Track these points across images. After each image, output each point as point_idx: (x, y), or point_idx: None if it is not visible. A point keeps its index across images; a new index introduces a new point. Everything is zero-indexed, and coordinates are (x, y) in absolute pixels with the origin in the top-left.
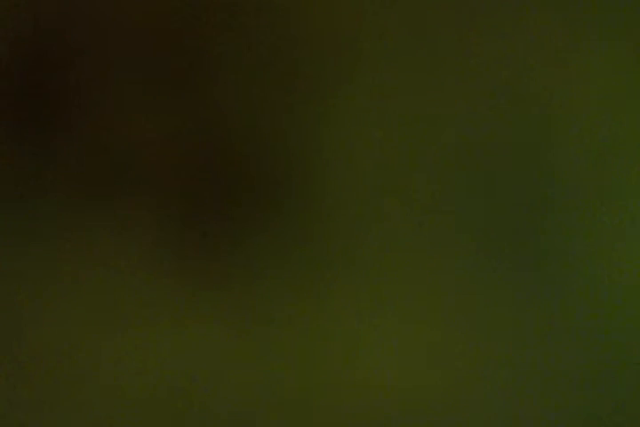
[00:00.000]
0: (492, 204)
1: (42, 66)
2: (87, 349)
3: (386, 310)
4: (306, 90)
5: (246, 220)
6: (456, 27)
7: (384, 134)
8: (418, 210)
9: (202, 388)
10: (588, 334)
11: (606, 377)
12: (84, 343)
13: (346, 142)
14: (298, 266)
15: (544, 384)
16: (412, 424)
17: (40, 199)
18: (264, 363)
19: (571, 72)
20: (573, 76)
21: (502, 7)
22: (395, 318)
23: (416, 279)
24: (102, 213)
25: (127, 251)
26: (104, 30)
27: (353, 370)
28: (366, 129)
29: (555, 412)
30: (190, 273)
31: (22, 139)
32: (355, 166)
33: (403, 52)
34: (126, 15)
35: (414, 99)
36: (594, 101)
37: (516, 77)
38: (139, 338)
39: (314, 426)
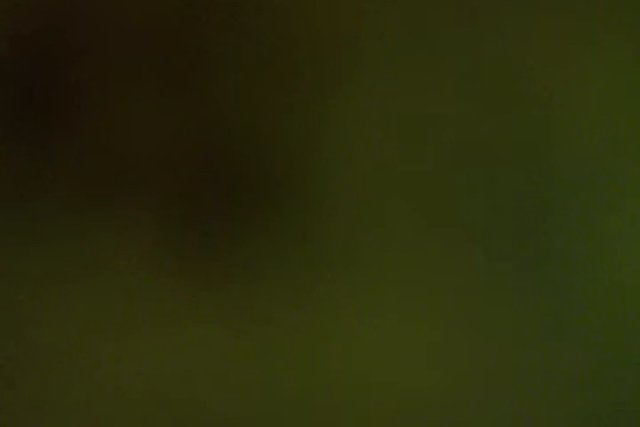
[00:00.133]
0: (492, 204)
1: (42, 66)
2: (87, 349)
3: (386, 310)
4: (306, 90)
5: (246, 220)
6: (456, 27)
7: (384, 134)
8: (418, 210)
9: (202, 388)
10: (588, 334)
11: (606, 377)
12: (83, 343)
13: (346, 142)
14: (298, 266)
15: (544, 384)
16: (411, 424)
17: (40, 199)
18: (264, 363)
19: (571, 72)
20: (573, 76)
21: (502, 7)
22: (395, 318)
23: (416, 279)
24: (102, 213)
25: (127, 251)
26: (104, 30)
27: (353, 370)
28: (366, 129)
29: (555, 412)
30: (190, 273)
31: (22, 139)
32: (355, 166)
33: (403, 52)
34: (126, 15)
35: (414, 99)
36: (594, 101)
37: (516, 77)
38: (139, 338)
39: (314, 426)
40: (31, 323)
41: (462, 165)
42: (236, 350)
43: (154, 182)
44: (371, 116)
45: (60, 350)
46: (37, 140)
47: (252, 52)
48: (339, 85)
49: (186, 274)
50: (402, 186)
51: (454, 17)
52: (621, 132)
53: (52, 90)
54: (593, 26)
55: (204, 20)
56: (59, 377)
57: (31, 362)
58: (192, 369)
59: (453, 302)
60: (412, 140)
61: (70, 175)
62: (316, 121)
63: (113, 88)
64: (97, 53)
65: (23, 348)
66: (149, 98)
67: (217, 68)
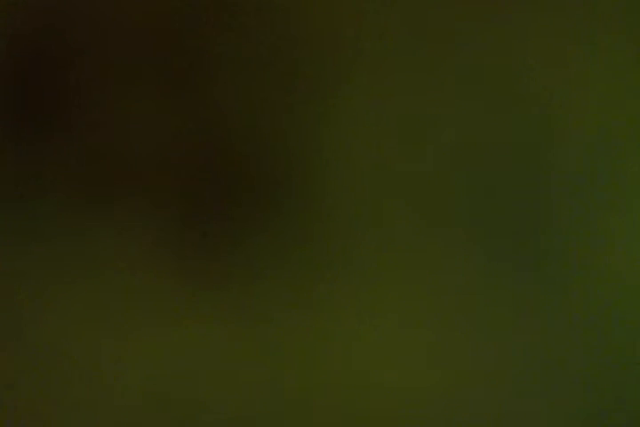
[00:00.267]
0: (492, 204)
1: (42, 66)
2: (87, 349)
3: (386, 310)
4: (306, 90)
5: (246, 220)
6: (456, 27)
7: (384, 134)
8: (417, 210)
9: (202, 388)
10: (588, 334)
11: (606, 377)
12: (83, 343)
13: (346, 142)
14: (298, 266)
15: (544, 384)
16: (411, 424)
17: (40, 199)
18: (264, 363)
19: (571, 72)
20: (573, 76)
21: (502, 7)
22: (394, 318)
23: (416, 279)
24: (102, 213)
25: (127, 251)
26: (104, 30)
27: (353, 370)
28: (366, 129)
29: (555, 412)
30: (190, 273)
31: (22, 139)
32: (354, 166)
33: (402, 51)
34: (126, 15)
35: (414, 99)
36: (594, 101)
37: (516, 77)
38: (139, 338)
39: (314, 426)
40: (31, 323)
41: (462, 165)
42: (236, 350)
43: (154, 182)
44: (370, 116)
45: (60, 350)
46: (37, 140)
47: (251, 52)
48: (338, 85)
49: (186, 274)
50: (401, 186)
51: (454, 17)
52: (621, 132)
53: (51, 90)
54: (593, 26)
55: (204, 20)
56: (59, 377)
57: (31, 362)
58: (192, 369)
59: (453, 302)
60: (411, 140)
61: (70, 175)
62: (316, 121)
63: (113, 88)
64: (97, 53)
65: (23, 348)
66: (149, 98)
67: (217, 68)
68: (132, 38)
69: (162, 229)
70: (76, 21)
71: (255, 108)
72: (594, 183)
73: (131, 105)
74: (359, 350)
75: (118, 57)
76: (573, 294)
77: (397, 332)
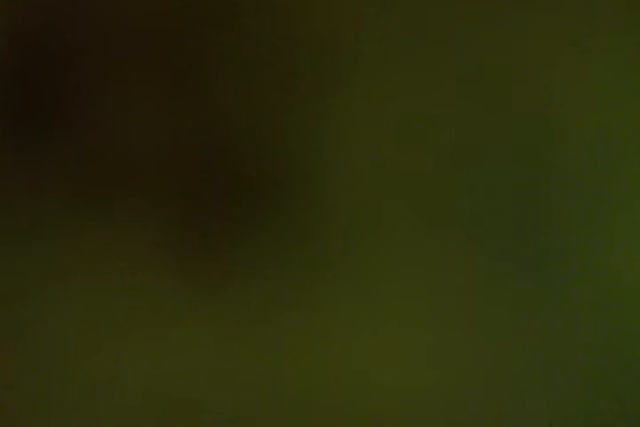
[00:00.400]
0: (493, 204)
1: (42, 65)
2: (87, 349)
3: (386, 310)
4: (306, 90)
5: (246, 220)
6: (456, 27)
7: (384, 134)
8: (417, 210)
9: (202, 388)
10: (588, 334)
11: (606, 377)
12: (83, 343)
13: (346, 142)
14: (298, 266)
15: (544, 384)
16: (411, 424)
17: (40, 199)
18: (264, 363)
19: (571, 72)
20: (573, 76)
21: (502, 7)
22: (394, 318)
23: (416, 279)
24: (102, 213)
25: (127, 251)
26: (104, 30)
27: (353, 370)
28: (366, 129)
29: (555, 412)
30: (190, 273)
31: (22, 139)
32: (355, 166)
33: (403, 52)
34: (126, 15)
35: (414, 99)
36: (594, 101)
37: (516, 77)
38: (139, 338)
39: (314, 426)
40: (31, 323)
41: (462, 165)
42: (236, 350)
43: (154, 182)
44: (370, 116)
45: (60, 350)
46: (37, 140)
47: (252, 52)
48: (339, 85)
49: (186, 274)
50: (401, 186)
51: (454, 17)
52: (621, 132)
53: (52, 89)
54: (593, 26)
55: (204, 20)
56: (59, 377)
57: (31, 362)
58: (192, 369)
59: (453, 302)
60: (411, 140)
61: (70, 175)
62: (316, 121)
63: (113, 88)
64: (97, 53)
65: (23, 348)
66: (149, 98)
67: (217, 68)
68: (132, 38)
69: (162, 229)
70: (77, 21)
71: (255, 108)
72: (594, 183)
73: (131, 105)
74: (359, 350)
75: (118, 57)
76: (573, 294)
77: (397, 332)
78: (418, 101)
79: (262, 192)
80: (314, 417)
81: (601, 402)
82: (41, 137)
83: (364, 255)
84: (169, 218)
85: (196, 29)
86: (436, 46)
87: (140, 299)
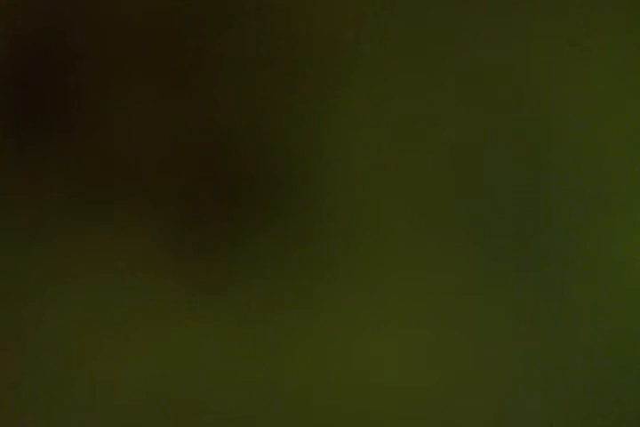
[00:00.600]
0: (493, 204)
1: (42, 66)
2: (87, 349)
3: (385, 310)
4: (306, 90)
5: (246, 220)
6: (456, 27)
7: (384, 134)
8: (417, 210)
9: (202, 388)
10: (589, 335)
11: (607, 377)
12: (83, 343)
13: (346, 142)
14: (298, 266)
15: (544, 384)
16: (411, 424)
17: (40, 199)
18: (264, 363)
19: (571, 72)
20: (573, 76)
21: (501, 7)
22: (394, 318)
23: (416, 279)
24: (102, 213)
25: (127, 251)
26: (104, 30)
27: (353, 370)
28: (366, 129)
29: (555, 412)
30: (190, 273)
31: (22, 139)
32: (354, 166)
33: (402, 52)
34: (126, 15)
35: (414, 99)
36: (594, 101)
37: (516, 77)
38: (139, 338)
39: (314, 426)
40: (31, 323)
41: (462, 165)
42: (236, 350)
43: (154, 182)
44: (370, 116)
45: (60, 350)
46: (37, 140)
47: (252, 52)
48: (339, 85)
49: (186, 274)
50: (401, 186)
51: (454, 17)
52: (621, 132)
53: (52, 90)
54: (593, 26)
55: (204, 20)
56: (59, 377)
57: (32, 362)
58: (192, 369)
59: (453, 302)
60: (411, 140)
61: (70, 175)
62: (316, 121)
63: (113, 88)
64: (97, 53)
65: (23, 348)
66: (149, 98)
67: (217, 68)
68: (132, 38)
69: (162, 229)
70: (77, 22)
71: (255, 108)
72: (594, 183)
73: (131, 105)
74: (359, 350)
75: (118, 57)
76: (573, 295)
77: (397, 332)
78: (418, 101)
79: (262, 192)
80: (314, 417)
81: (601, 403)
82: (41, 137)
83: (363, 255)
84: (169, 218)
85: (196, 29)
86: (435, 46)
87: (140, 299)
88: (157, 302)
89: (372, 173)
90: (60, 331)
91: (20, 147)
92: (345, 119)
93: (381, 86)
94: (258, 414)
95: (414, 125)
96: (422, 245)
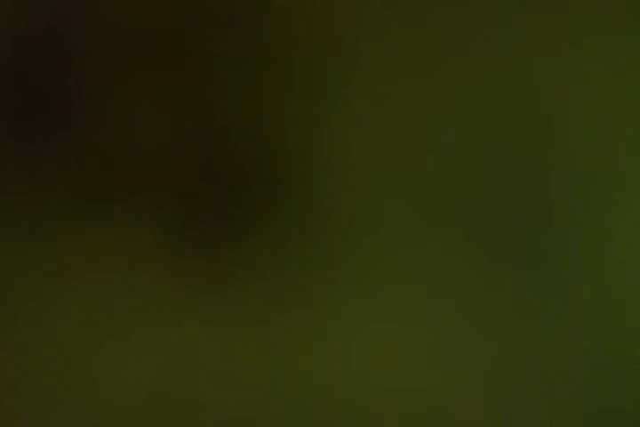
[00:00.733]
0: (493, 204)
1: (42, 66)
2: (87, 349)
3: (386, 309)
4: (306, 90)
5: (246, 220)
6: (456, 27)
7: (384, 134)
8: (417, 210)
9: (202, 388)
10: (589, 334)
11: (607, 377)
12: (83, 343)
13: (346, 142)
14: (298, 266)
15: (544, 384)
16: (411, 424)
17: (40, 199)
18: (264, 363)
19: (571, 72)
20: (573, 76)
21: (501, 8)
22: (394, 319)
23: (416, 279)
24: (102, 213)
25: (127, 251)
26: (104, 30)
27: (353, 370)
28: (366, 129)
29: (555, 412)
30: (190, 273)
31: (22, 139)
32: (354, 166)
33: (403, 52)
34: (126, 15)
35: (414, 99)
36: (594, 101)
37: (516, 78)
38: (139, 338)
39: (314, 426)
40: (31, 323)
41: (462, 165)
42: (236, 350)
43: (154, 182)
44: (370, 116)
45: (60, 350)
46: (37, 140)
47: (252, 52)
48: (339, 85)
49: (186, 274)
50: (401, 186)
51: (454, 17)
52: (621, 132)
53: (52, 90)
54: (593, 26)
55: (204, 20)
56: (59, 377)
57: (31, 362)
58: (192, 369)
59: (453, 302)
60: (411, 140)
61: (70, 175)
62: (316, 121)
63: (113, 88)
64: (97, 53)
65: (23, 348)
66: (149, 98)
67: (217, 68)
68: (132, 38)
69: (162, 229)
70: (77, 22)
71: (255, 108)
72: (594, 183)
73: (131, 105)
74: (359, 350)
75: (118, 57)
76: (573, 294)
77: (397, 332)
78: (418, 101)
79: (262, 192)
80: (314, 417)
81: (601, 402)
82: (41, 137)
83: (364, 255)
84: (169, 218)
85: (196, 29)
86: (435, 46)
87: (140, 299)
88: (157, 302)
89: (372, 172)
90: (60, 331)
91: (20, 147)
92: (345, 119)
93: (381, 86)
94: (258, 414)
95: (414, 125)
96: (422, 245)
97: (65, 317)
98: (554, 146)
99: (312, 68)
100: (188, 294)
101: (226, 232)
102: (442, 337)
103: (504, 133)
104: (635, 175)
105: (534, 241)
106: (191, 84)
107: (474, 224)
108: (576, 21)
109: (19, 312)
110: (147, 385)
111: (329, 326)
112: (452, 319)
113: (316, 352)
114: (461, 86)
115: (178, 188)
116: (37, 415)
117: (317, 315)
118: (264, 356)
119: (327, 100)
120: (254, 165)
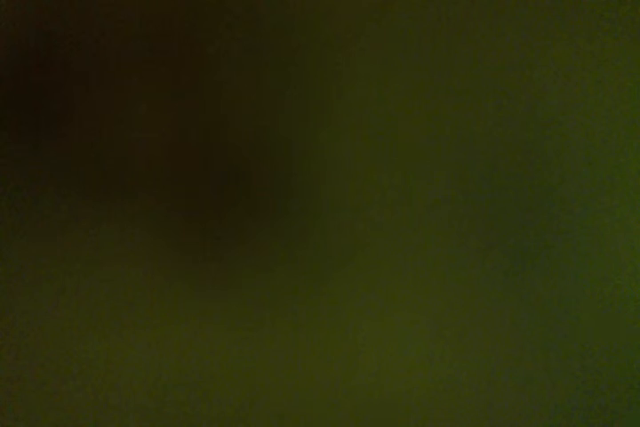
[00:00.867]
0: (493, 203)
1: (42, 66)
2: (87, 349)
3: (387, 309)
4: (306, 91)
5: (246, 220)
6: (456, 27)
7: (384, 134)
8: (419, 210)
9: (203, 387)
10: (589, 334)
11: (607, 377)
12: (83, 343)
13: (346, 142)
14: (299, 266)
15: (544, 384)
16: (411, 424)
17: (40, 199)
18: (266, 363)
19: (571, 72)
20: (573, 76)
21: (502, 8)
22: (396, 318)
23: (417, 279)
24: (102, 213)
25: (127, 251)
26: (104, 30)
27: (355, 369)
28: (366, 129)
29: (555, 412)
30: (190, 273)
31: (22, 139)
32: (355, 166)
33: (404, 52)
34: (126, 15)
35: (415, 99)
36: (593, 101)
37: (516, 78)
38: (139, 337)
39: (314, 426)
40: (32, 322)
41: (462, 166)
42: (238, 349)
43: (154, 182)
44: (371, 116)
45: (60, 350)
46: (37, 140)
47: (251, 51)
48: (338, 86)
49: (186, 274)
50: (402, 186)
51: (454, 17)
52: (621, 132)
53: (52, 90)
54: (593, 26)
55: (204, 20)
56: (58, 377)
57: (31, 362)
58: (193, 369)
59: (454, 301)
60: (412, 140)
61: (70, 175)
62: (317, 121)
63: (113, 88)
64: (97, 54)
65: (23, 348)
66: (149, 98)
67: (217, 68)
68: (132, 38)
69: (162, 229)
70: (77, 22)
71: (255, 108)
72: (594, 183)
73: (131, 105)
74: (360, 349)
75: (118, 57)
76: (574, 294)
77: (399, 331)
78: (418, 102)
79: (262, 192)
80: (314, 417)
81: (602, 402)
82: (41, 136)
83: (365, 255)
84: (169, 218)
85: (196, 29)
86: (435, 46)
87: (140, 298)
88: (157, 302)
89: (373, 172)
90: (59, 330)
91: (20, 147)
92: (345, 119)
93: (382, 87)
94: (261, 413)
95: (415, 126)
96: (423, 244)
97: (65, 316)
98: (554, 146)
99: (312, 68)
100: (188, 294)
101: (226, 232)
102: (442, 337)
103: (504, 134)
104: (634, 175)
105: (534, 241)
106: (191, 84)
107: (475, 224)
108: (576, 21)
109: (19, 312)
110: (147, 384)
111: (329, 326)
112: (453, 319)
113: (316, 352)
114: (461, 86)
115: (178, 188)
116: (37, 415)
117: (317, 315)
118: (263, 356)
119: (327, 100)
120: (254, 164)
